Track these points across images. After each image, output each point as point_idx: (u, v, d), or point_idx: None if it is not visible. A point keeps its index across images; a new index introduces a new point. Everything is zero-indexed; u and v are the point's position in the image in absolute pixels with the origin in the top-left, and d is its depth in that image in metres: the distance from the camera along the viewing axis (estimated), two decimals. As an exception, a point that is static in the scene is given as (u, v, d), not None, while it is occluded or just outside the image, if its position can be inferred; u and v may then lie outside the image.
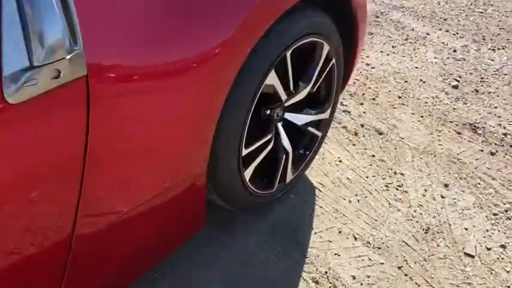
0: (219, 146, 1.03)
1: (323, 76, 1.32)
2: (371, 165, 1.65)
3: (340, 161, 1.66)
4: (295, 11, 1.08)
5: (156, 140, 0.84)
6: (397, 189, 1.55)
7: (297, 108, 1.34)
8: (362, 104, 1.99)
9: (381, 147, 1.74)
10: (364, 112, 1.94)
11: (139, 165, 0.84)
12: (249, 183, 1.21)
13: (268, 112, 1.25)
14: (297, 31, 1.10)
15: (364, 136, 1.80)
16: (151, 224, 0.95)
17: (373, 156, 1.69)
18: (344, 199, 1.50)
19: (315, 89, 1.33)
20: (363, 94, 2.06)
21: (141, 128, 0.79)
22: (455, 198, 1.53)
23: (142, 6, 0.74)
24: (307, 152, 1.46)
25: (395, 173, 1.62)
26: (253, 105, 1.06)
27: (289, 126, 1.35)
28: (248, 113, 1.06)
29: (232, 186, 1.17)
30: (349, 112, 1.93)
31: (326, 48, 1.27)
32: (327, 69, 1.32)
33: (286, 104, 1.27)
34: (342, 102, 1.98)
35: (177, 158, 0.90)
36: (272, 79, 1.09)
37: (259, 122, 1.24)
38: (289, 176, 1.40)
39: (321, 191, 1.53)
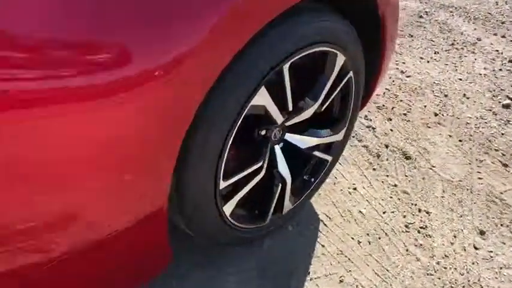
0: (186, 180, 0.82)
1: (335, 92, 1.07)
2: (391, 197, 1.39)
3: (354, 189, 1.41)
4: (297, 12, 0.84)
5: (86, 172, 0.64)
6: (419, 231, 1.29)
7: (301, 128, 1.10)
8: (390, 119, 1.71)
9: (406, 176, 1.47)
10: (391, 130, 1.66)
11: (68, 206, 0.65)
12: (230, 218, 1.00)
13: (263, 133, 1.03)
14: (299, 38, 0.86)
15: (387, 160, 1.53)
16: (87, 276, 0.76)
17: (395, 186, 1.43)
18: (352, 239, 1.25)
19: (323, 108, 1.08)
20: (393, 108, 1.77)
21: (58, 160, 0.59)
22: (492, 252, 1.25)
23: (56, 6, 0.53)
24: (313, 179, 1.23)
25: (419, 210, 1.35)
26: (235, 129, 0.84)
27: (290, 147, 1.12)
28: (227, 139, 0.84)
29: (206, 223, 0.96)
30: (373, 128, 1.66)
31: (341, 59, 1.02)
32: (341, 84, 1.07)
33: (286, 124, 1.04)
34: (366, 116, 1.71)
35: (117, 193, 0.70)
36: (262, 98, 0.86)
37: (253, 144, 1.02)
38: (288, 206, 1.17)
39: (326, 225, 1.29)
